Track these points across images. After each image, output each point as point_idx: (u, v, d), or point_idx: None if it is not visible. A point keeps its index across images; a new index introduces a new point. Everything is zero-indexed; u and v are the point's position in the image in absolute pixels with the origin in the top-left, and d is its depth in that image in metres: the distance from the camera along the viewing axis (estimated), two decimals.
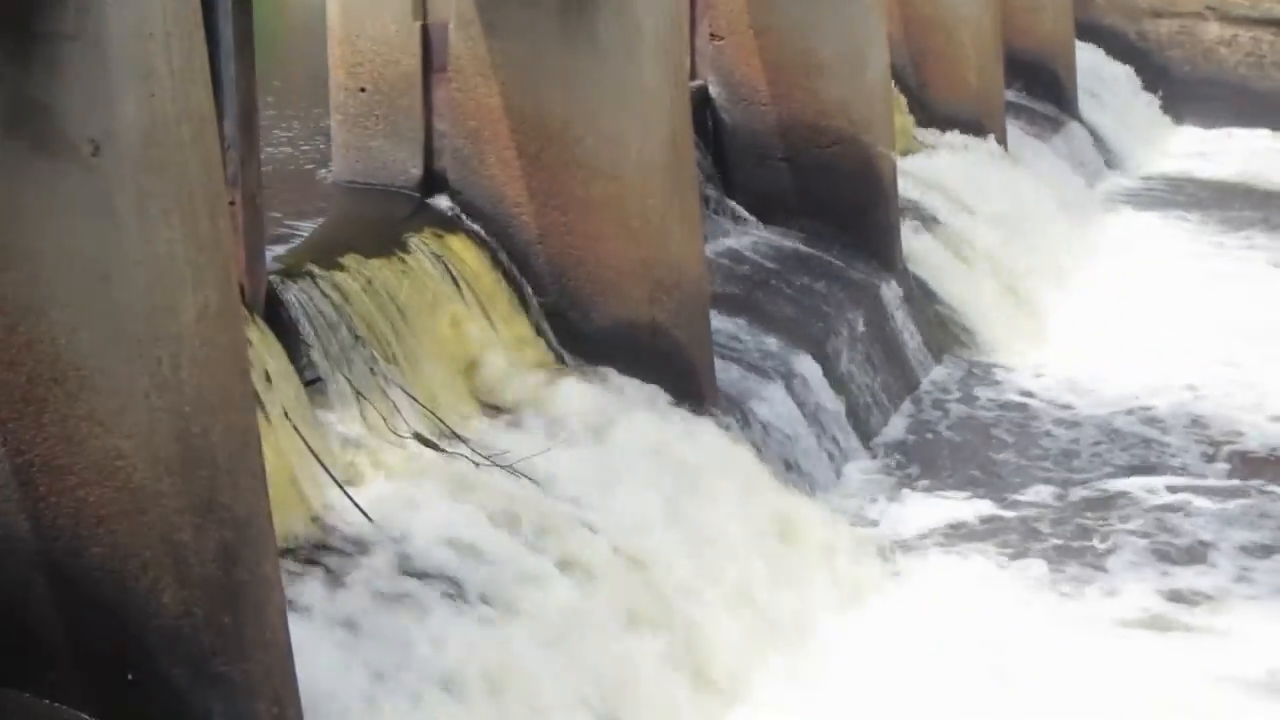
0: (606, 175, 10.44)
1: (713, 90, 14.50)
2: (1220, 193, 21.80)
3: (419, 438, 8.86)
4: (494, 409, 9.68)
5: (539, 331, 10.50)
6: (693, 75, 14.38)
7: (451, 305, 9.96)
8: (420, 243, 10.17)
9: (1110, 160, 22.67)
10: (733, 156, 14.45)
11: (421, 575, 7.69)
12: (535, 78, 10.47)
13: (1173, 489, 11.87)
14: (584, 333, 10.58)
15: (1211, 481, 12.10)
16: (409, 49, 10.88)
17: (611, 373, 10.31)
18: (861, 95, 14.24)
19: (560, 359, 10.42)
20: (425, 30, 11.02)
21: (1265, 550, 10.85)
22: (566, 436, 9.39)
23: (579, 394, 9.91)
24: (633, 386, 10.28)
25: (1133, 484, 11.97)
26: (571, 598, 8.05)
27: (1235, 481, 12.11)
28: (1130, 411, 13.49)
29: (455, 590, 7.69)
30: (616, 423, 9.70)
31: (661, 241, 10.60)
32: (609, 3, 10.21)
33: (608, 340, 10.56)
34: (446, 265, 10.17)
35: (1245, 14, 25.56)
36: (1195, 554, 10.80)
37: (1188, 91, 25.80)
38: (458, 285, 10.14)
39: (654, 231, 10.55)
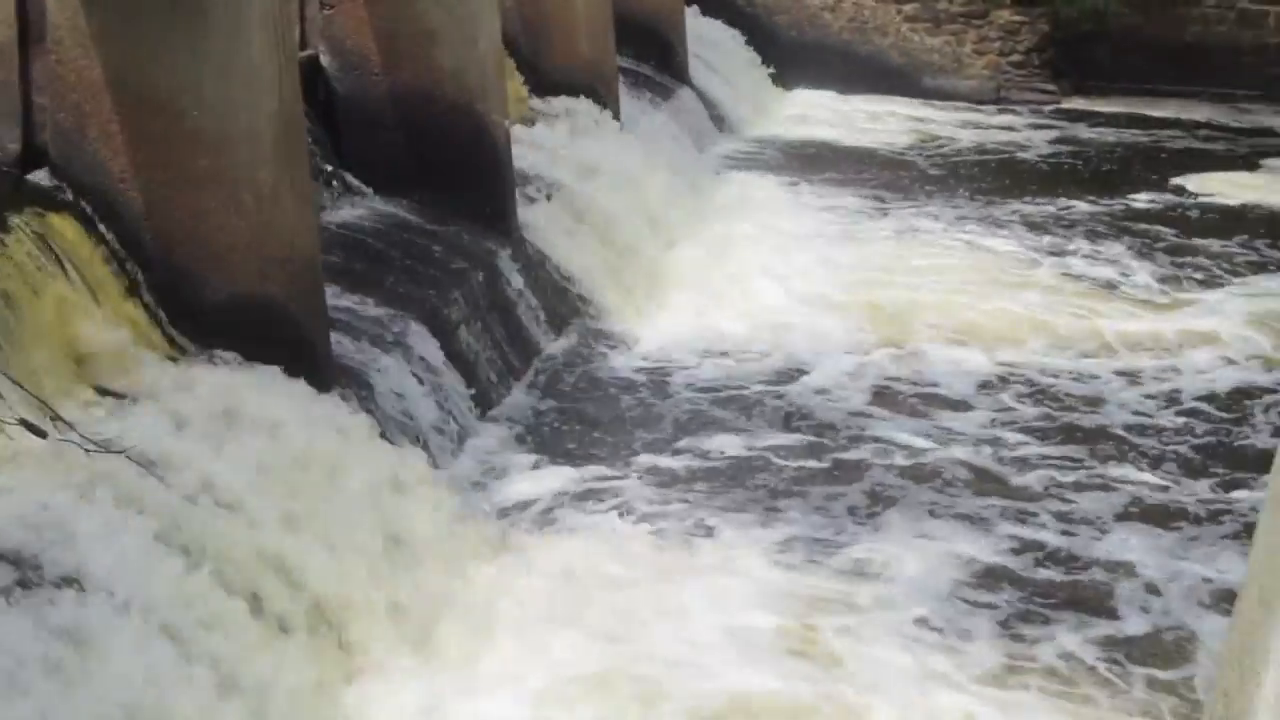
0: (215, 148, 10.22)
1: (324, 60, 14.33)
2: (825, 152, 22.50)
3: (25, 424, 8.55)
4: (105, 393, 9.40)
5: (149, 311, 10.22)
6: (303, 45, 14.18)
7: (56, 286, 9.62)
8: (20, 222, 9.81)
9: (721, 125, 23.12)
10: (346, 127, 14.31)
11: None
12: (138, 49, 10.17)
13: (766, 448, 12.26)
14: (196, 310, 10.34)
15: (791, 439, 12.50)
16: (4, 20, 10.47)
17: (226, 351, 10.13)
18: (474, 63, 14.23)
19: (172, 339, 10.18)
20: (22, 1, 10.64)
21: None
22: (180, 419, 9.18)
23: (192, 374, 9.72)
24: (248, 363, 10.12)
25: (735, 443, 12.30)
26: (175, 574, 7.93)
27: (810, 439, 12.57)
28: (740, 374, 13.88)
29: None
30: (231, 401, 9.53)
31: (273, 215, 10.45)
32: None
33: (221, 317, 10.35)
34: (49, 244, 9.83)
35: None
36: (777, 513, 11.16)
37: (795, 56, 26.48)
38: (62, 265, 9.80)
39: (265, 205, 10.38)
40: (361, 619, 8.83)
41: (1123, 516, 11.22)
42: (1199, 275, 17.17)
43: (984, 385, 13.75)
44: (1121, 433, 12.83)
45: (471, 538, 10.13)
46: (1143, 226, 18.99)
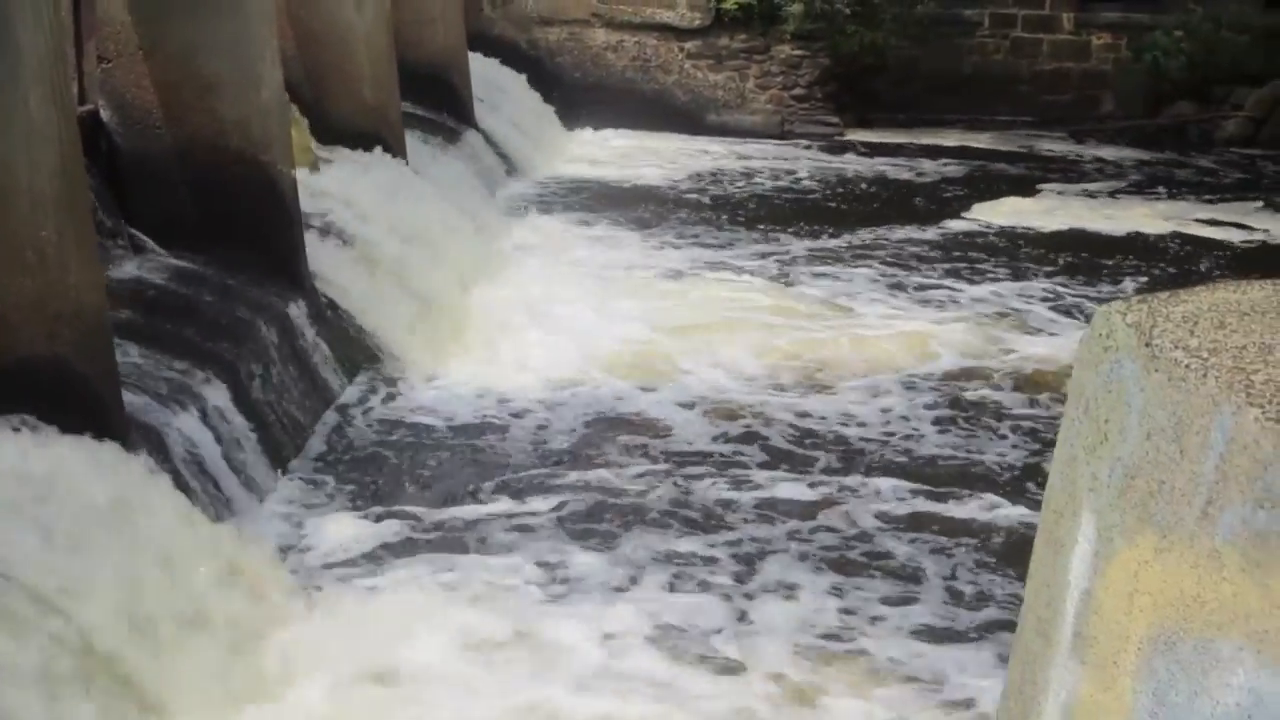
0: None
1: (105, 115, 14.11)
2: (611, 192, 22.68)
3: None
4: None
5: None
6: (82, 100, 13.97)
7: None
8: None
9: (510, 168, 23.20)
10: (130, 182, 14.09)
11: None
12: None
13: (568, 488, 12.28)
14: None
15: (631, 473, 12.57)
16: None
17: (14, 414, 9.92)
18: (257, 113, 14.12)
19: None
20: None
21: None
22: None
23: None
24: (37, 425, 9.91)
25: (551, 485, 12.30)
26: None
27: (661, 467, 12.62)
28: (536, 413, 13.91)
29: None
30: (20, 465, 9.33)
31: (58, 274, 10.25)
32: None
33: (9, 380, 10.13)
34: None
35: (629, 19, 26.58)
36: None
37: (580, 97, 26.72)
38: None
39: (50, 264, 10.19)
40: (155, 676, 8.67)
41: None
42: (951, 291, 17.92)
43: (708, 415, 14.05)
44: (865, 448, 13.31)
45: (266, 592, 9.99)
46: (911, 251, 19.51)
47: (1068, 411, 3.76)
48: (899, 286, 18.09)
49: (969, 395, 14.60)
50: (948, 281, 18.34)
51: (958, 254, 19.38)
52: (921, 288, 18.08)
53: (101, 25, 13.97)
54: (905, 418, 13.97)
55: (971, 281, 18.30)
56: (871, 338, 16.08)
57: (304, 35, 18.01)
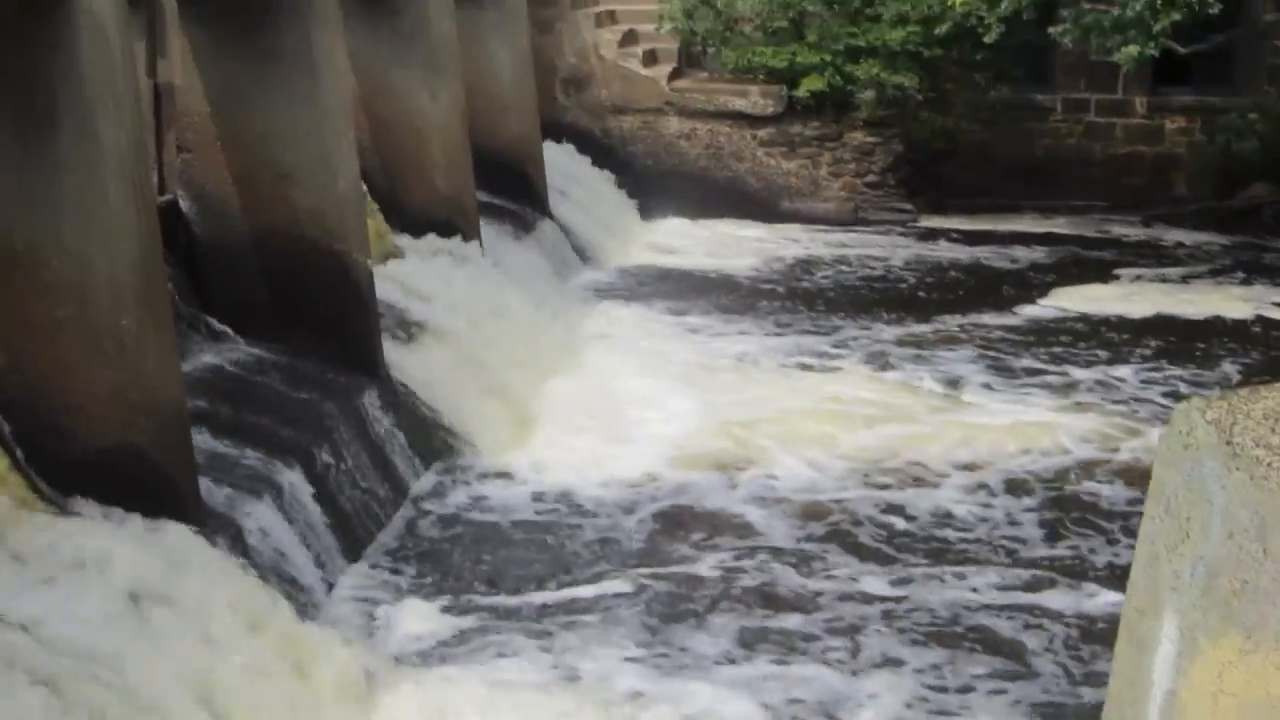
0: (75, 297, 10.15)
1: (183, 204, 14.27)
2: (687, 280, 22.64)
3: None
4: None
5: (14, 465, 10.07)
6: (162, 190, 14.13)
7: None
8: None
9: (584, 256, 23.23)
10: (208, 271, 14.23)
11: None
12: None
13: (650, 578, 12.19)
14: (62, 461, 10.20)
15: (710, 563, 12.49)
16: None
17: (94, 501, 9.99)
18: (333, 203, 14.24)
19: (38, 493, 10.01)
20: None
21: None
22: (47, 575, 9.02)
23: (59, 529, 9.56)
24: (116, 513, 9.98)
25: (630, 575, 12.24)
26: None
27: (742, 562, 12.53)
28: (611, 503, 13.79)
29: None
30: (100, 555, 9.38)
31: (136, 364, 10.35)
32: (70, 119, 9.94)
33: (88, 468, 10.23)
34: None
35: (702, 108, 26.65)
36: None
37: (653, 184, 26.73)
38: None
39: (128, 354, 10.29)
40: None
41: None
42: (1043, 378, 17.68)
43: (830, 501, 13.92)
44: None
45: (340, 682, 9.98)
46: (997, 338, 19.35)
47: (1148, 509, 3.71)
48: (990, 375, 17.90)
49: (1070, 488, 14.31)
50: (1040, 369, 18.12)
51: (1045, 341, 19.14)
52: (1012, 375, 17.89)
53: (181, 117, 14.16)
54: (1007, 513, 13.68)
55: (1064, 370, 18.06)
56: (968, 428, 15.82)
57: (379, 125, 18.17)
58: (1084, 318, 20.58)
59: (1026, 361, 18.51)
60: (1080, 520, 13.59)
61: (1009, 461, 14.96)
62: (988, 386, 17.52)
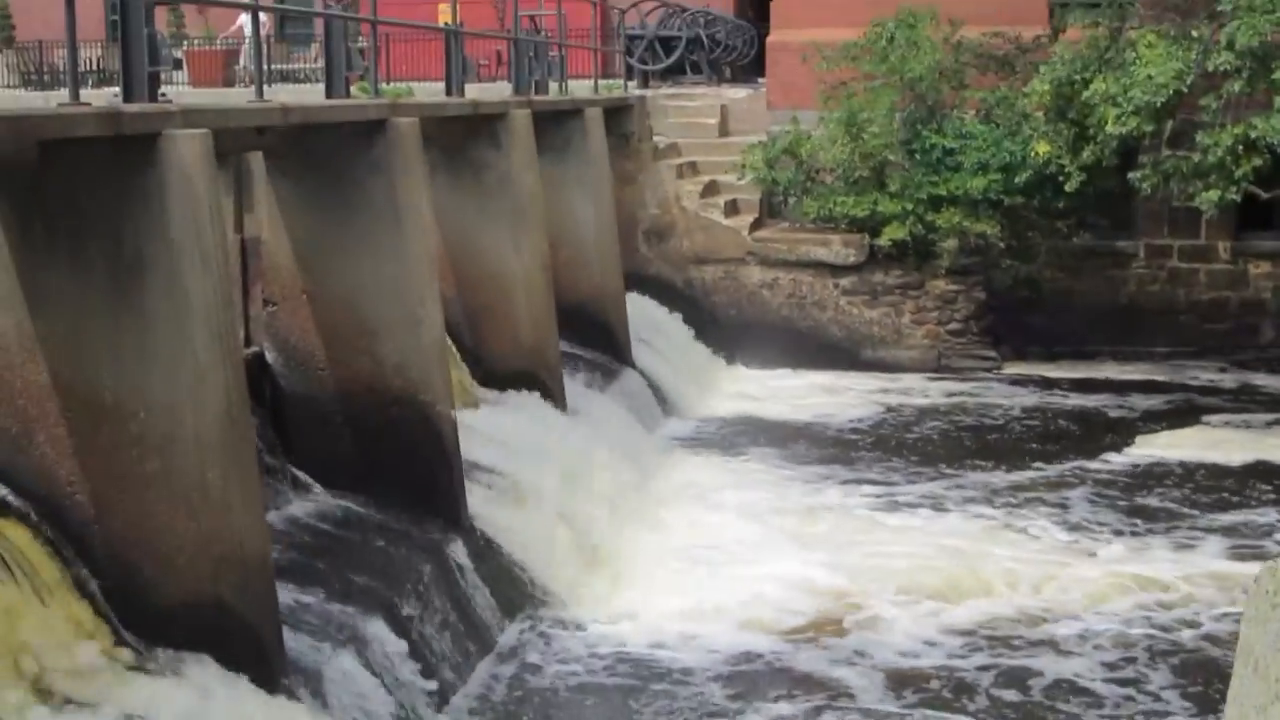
0: (162, 449, 10.21)
1: (269, 357, 14.40)
2: (770, 430, 22.53)
3: None
4: (52, 699, 9.23)
5: (99, 615, 10.11)
6: (248, 342, 14.27)
7: (4, 592, 9.53)
8: None
9: (667, 406, 23.21)
10: (293, 423, 14.33)
11: None
12: (84, 352, 10.24)
13: None
14: (147, 614, 10.23)
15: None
16: None
17: (178, 654, 9.99)
18: (418, 355, 14.32)
19: (123, 643, 10.03)
20: None
21: None
22: None
23: (144, 680, 9.55)
24: (200, 666, 9.97)
25: None
26: None
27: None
28: (697, 662, 13.53)
29: None
30: (186, 708, 9.36)
31: (222, 515, 10.38)
32: (158, 273, 10.07)
33: (173, 619, 10.24)
34: None
35: (783, 257, 26.72)
36: None
37: (736, 334, 26.78)
38: (10, 570, 9.73)
39: (214, 505, 10.33)
40: None
41: None
42: (1151, 528, 17.30)
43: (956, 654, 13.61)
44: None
45: None
46: (1095, 487, 19.10)
47: (1236, 669, 3.62)
48: (1097, 523, 17.59)
49: (1210, 651, 13.72)
50: (1148, 515, 17.84)
51: (1144, 488, 18.90)
52: (1119, 524, 17.54)
53: (267, 271, 14.32)
54: (1141, 680, 13.05)
55: (1175, 519, 17.73)
56: (1084, 582, 15.41)
57: (463, 277, 18.33)
58: (1180, 464, 20.30)
59: (1127, 509, 18.21)
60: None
61: (1132, 620, 14.49)
62: (1095, 535, 17.21)
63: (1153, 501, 18.54)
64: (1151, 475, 19.76)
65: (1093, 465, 20.30)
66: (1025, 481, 19.51)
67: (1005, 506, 18.37)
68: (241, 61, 35.62)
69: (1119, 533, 17.30)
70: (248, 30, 36.14)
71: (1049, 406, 24.04)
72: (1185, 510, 18.16)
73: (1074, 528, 17.45)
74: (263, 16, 36.21)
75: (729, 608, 14.63)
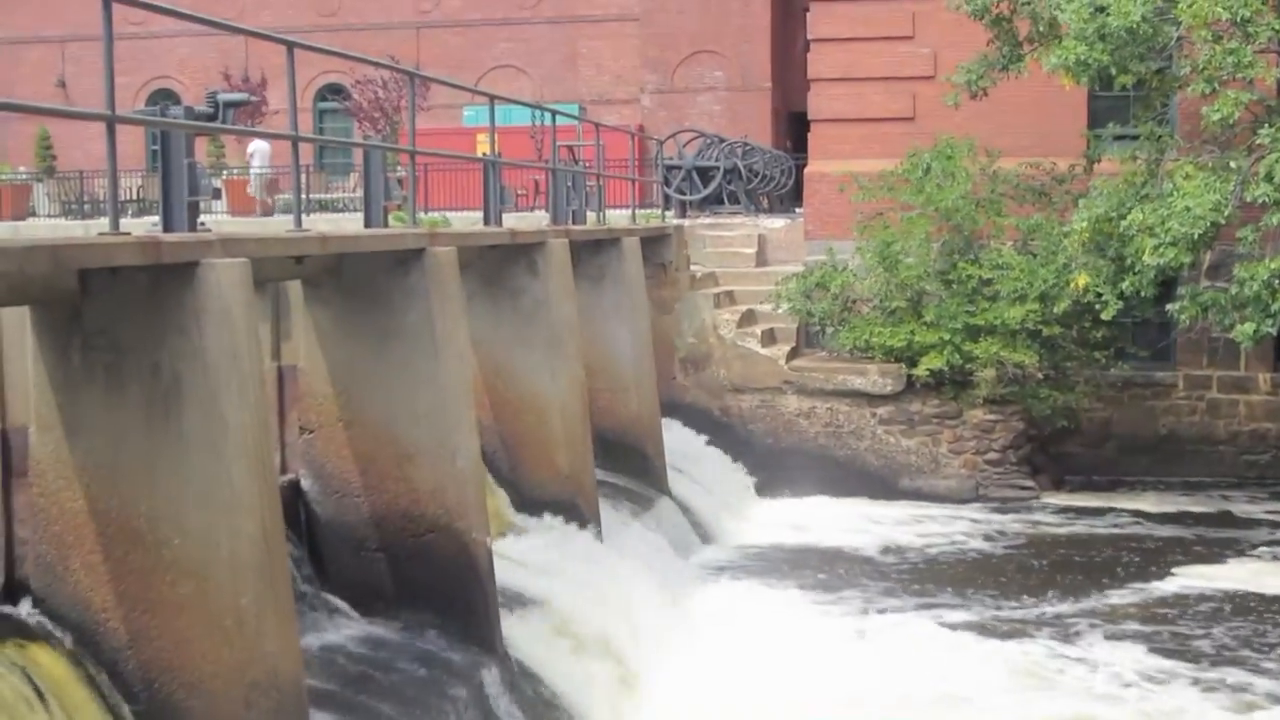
0: (196, 575, 10.21)
1: (304, 483, 14.42)
2: (808, 559, 22.43)
3: None
4: None
5: None
6: (284, 469, 14.31)
7: (34, 718, 9.52)
8: (2, 655, 9.75)
9: (703, 534, 23.15)
10: (328, 549, 14.32)
11: None
12: (120, 478, 10.27)
13: None
14: None
15: None
16: None
17: None
18: (453, 482, 14.32)
19: None
20: (4, 435, 10.75)
21: None
22: None
23: None
24: None
25: None
26: None
27: None
28: None
29: None
30: None
31: (256, 641, 10.35)
32: (195, 399, 10.11)
33: None
34: (30, 677, 9.75)
35: (820, 386, 26.75)
36: None
37: (773, 462, 26.78)
38: (43, 698, 9.72)
39: (248, 632, 10.30)
40: None
41: None
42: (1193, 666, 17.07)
43: None
44: None
45: None
46: (1122, 624, 18.92)
47: None
48: (1152, 673, 17.05)
49: None
50: (1205, 666, 17.29)
51: (1197, 625, 18.75)
52: (1186, 680, 16.88)
53: (304, 397, 14.38)
54: None
55: (1236, 659, 17.37)
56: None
57: (499, 404, 18.38)
58: (1227, 596, 20.09)
59: (1182, 655, 17.74)
60: None
61: None
62: (1148, 686, 16.76)
63: (1202, 640, 18.27)
64: (1203, 611, 19.46)
65: (1136, 596, 20.14)
66: (1056, 614, 19.32)
67: (1051, 636, 18.20)
68: (251, 189, 35.97)
69: (1166, 677, 17.07)
70: (255, 162, 36.62)
71: (1090, 536, 23.92)
72: (1239, 650, 17.86)
73: (1118, 663, 17.23)
74: (265, 146, 36.80)
75: None
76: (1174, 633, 18.42)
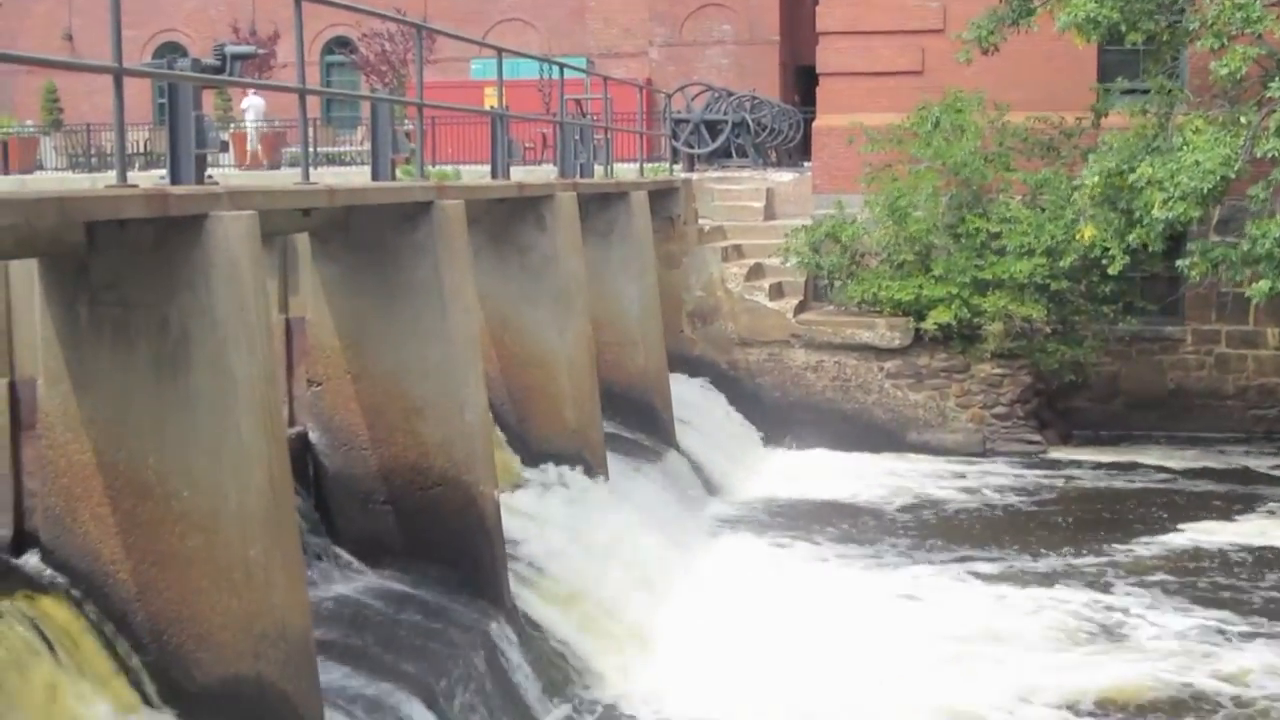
0: (205, 528, 10.26)
1: (312, 436, 14.46)
2: (815, 511, 22.46)
3: None
4: None
5: (140, 693, 10.14)
6: (291, 422, 14.34)
7: (45, 669, 9.57)
8: (11, 606, 9.80)
9: (711, 487, 23.16)
10: (336, 502, 14.37)
11: None
12: (128, 432, 10.31)
13: None
14: (188, 691, 10.26)
15: None
16: None
17: None
18: (461, 435, 14.35)
19: None
20: (13, 387, 10.78)
21: None
22: None
23: None
24: None
25: None
26: None
27: None
28: None
29: None
30: None
31: (264, 593, 10.40)
32: (203, 354, 10.14)
33: (214, 697, 10.25)
34: (39, 628, 9.80)
35: (828, 340, 26.74)
36: None
37: (780, 416, 26.79)
38: (52, 648, 9.77)
39: (256, 583, 10.35)
40: None
41: None
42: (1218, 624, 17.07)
43: None
44: None
45: None
46: (1148, 575, 18.92)
47: None
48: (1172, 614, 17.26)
49: None
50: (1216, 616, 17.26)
51: (1219, 579, 18.78)
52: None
53: (312, 351, 14.40)
54: None
55: (1248, 612, 17.37)
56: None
57: (507, 359, 18.40)
58: (1234, 549, 20.09)
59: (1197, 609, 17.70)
60: None
61: None
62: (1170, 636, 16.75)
63: (1219, 594, 18.26)
64: (1196, 565, 19.53)
65: (1133, 551, 20.13)
66: (1067, 565, 19.37)
67: (1036, 585, 18.28)
68: (249, 144, 35.95)
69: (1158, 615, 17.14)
70: (249, 117, 36.59)
71: (1098, 489, 23.89)
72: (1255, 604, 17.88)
73: (1129, 613, 17.30)
74: (259, 102, 36.75)
75: (773, 696, 14.51)
76: (1214, 584, 18.41)
